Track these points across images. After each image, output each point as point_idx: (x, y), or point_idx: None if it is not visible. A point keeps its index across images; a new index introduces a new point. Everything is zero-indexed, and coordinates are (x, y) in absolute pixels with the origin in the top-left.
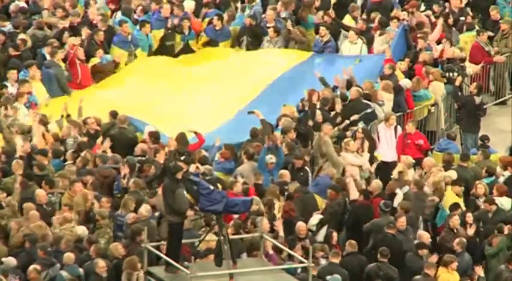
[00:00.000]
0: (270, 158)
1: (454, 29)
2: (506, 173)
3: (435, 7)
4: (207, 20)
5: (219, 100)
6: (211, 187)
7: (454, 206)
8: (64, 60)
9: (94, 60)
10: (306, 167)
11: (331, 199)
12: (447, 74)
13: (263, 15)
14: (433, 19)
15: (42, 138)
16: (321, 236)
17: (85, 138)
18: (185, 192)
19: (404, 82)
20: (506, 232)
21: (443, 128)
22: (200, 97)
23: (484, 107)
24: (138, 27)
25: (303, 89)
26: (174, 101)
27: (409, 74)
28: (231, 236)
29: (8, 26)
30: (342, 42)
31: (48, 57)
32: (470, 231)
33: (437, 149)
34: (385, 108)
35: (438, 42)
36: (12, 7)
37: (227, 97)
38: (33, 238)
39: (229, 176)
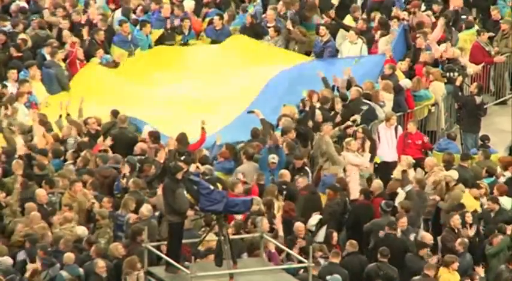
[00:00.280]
0: (273, 158)
1: (453, 29)
2: (507, 174)
3: (435, 7)
4: (207, 20)
5: (221, 101)
6: (211, 187)
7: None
8: (64, 60)
9: (94, 61)
10: (306, 167)
11: (330, 198)
12: (448, 74)
13: (263, 15)
14: (433, 19)
15: (42, 138)
16: (320, 236)
17: (85, 139)
18: (185, 192)
19: (405, 82)
20: (508, 232)
21: (443, 128)
22: (200, 98)
23: (485, 107)
24: (138, 27)
25: (303, 89)
26: (174, 101)
27: (409, 74)
28: (231, 236)
29: (8, 26)
30: (342, 43)
31: (47, 57)
32: (471, 231)
33: (437, 149)
34: (385, 108)
35: (439, 42)
36: (13, 7)
37: (229, 98)
38: (33, 238)
39: (229, 176)
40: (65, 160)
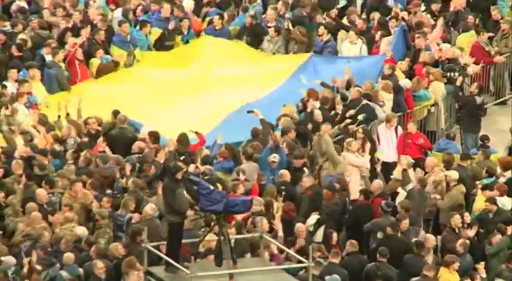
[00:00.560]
0: (273, 157)
1: (452, 29)
2: (507, 174)
3: (433, 6)
4: (207, 19)
5: (219, 100)
6: (211, 187)
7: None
8: (64, 60)
9: (94, 61)
10: (305, 168)
11: (328, 199)
12: (448, 74)
13: (263, 15)
14: (432, 22)
15: (42, 138)
16: (318, 236)
17: (85, 139)
18: (185, 192)
19: (404, 82)
20: (509, 232)
21: (443, 128)
22: (198, 99)
23: (485, 107)
24: (138, 27)
25: (303, 88)
26: (173, 102)
27: (409, 74)
28: (231, 236)
29: (7, 26)
30: (342, 43)
31: (46, 57)
32: (471, 232)
33: (436, 149)
34: (385, 108)
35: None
36: (13, 7)
37: (227, 97)
38: (33, 238)
39: (229, 175)
40: (65, 160)
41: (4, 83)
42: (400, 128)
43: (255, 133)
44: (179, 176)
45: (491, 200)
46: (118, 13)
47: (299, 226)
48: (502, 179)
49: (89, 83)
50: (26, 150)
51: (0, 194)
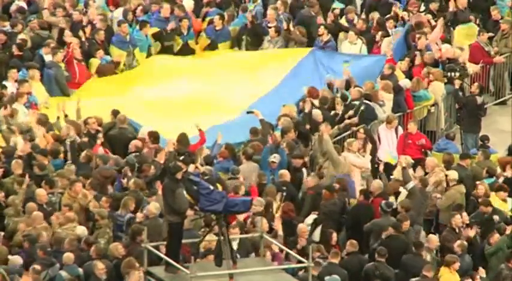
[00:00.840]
0: (274, 157)
1: (452, 29)
2: (507, 174)
3: (432, 5)
4: (207, 19)
5: (221, 100)
6: (211, 187)
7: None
8: (62, 60)
9: (94, 61)
10: (304, 168)
11: (326, 199)
12: (448, 74)
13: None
14: (433, 23)
15: (42, 138)
16: (315, 236)
17: (85, 139)
18: (185, 192)
19: (404, 82)
20: (508, 232)
21: (443, 128)
22: (199, 99)
23: (485, 107)
24: (138, 27)
25: (303, 86)
26: (173, 103)
27: (410, 74)
28: (231, 236)
29: (7, 26)
30: (342, 43)
31: (45, 57)
32: (471, 232)
33: (436, 149)
34: (385, 108)
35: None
36: (13, 7)
37: (230, 98)
38: (33, 238)
39: (228, 175)
40: (65, 160)
41: (4, 83)
42: (400, 129)
43: (255, 133)
44: (179, 176)
45: (486, 202)
46: (118, 13)
47: (301, 226)
48: (502, 179)
49: (89, 85)
50: (25, 149)
51: (0, 194)
